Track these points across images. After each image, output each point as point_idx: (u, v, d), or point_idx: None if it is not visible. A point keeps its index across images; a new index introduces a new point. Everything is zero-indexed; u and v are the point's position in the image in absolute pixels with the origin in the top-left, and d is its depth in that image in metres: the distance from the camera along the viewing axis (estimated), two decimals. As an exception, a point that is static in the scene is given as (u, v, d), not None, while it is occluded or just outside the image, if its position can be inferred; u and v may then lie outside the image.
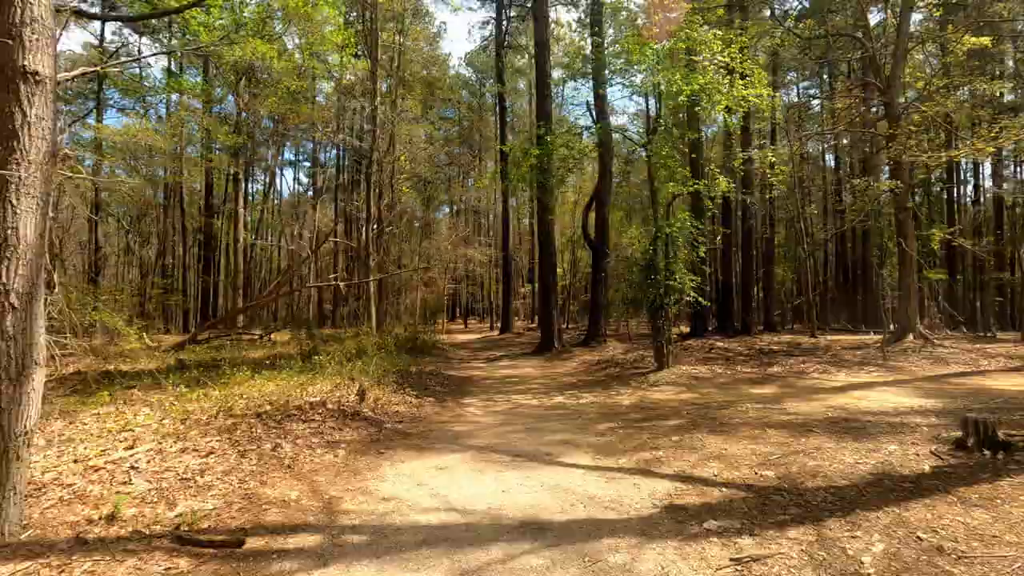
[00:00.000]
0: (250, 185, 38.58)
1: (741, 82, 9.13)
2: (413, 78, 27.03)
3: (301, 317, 20.67)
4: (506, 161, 13.57)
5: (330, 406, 6.53)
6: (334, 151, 36.17)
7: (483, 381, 9.82)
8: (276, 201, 40.43)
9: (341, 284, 15.99)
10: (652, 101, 26.66)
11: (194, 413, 6.46)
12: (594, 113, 12.26)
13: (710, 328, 16.30)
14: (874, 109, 18.42)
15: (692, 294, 9.03)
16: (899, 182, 13.34)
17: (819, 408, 6.36)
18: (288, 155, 44.52)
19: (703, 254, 9.26)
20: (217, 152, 30.01)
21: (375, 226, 18.39)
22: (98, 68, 14.60)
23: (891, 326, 20.85)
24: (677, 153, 9.15)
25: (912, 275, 13.59)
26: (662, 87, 8.93)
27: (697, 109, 9.24)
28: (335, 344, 14.54)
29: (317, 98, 32.76)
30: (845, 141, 23.85)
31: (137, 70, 29.01)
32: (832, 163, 30.22)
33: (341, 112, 28.38)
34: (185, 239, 31.89)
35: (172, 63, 28.92)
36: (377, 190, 18.99)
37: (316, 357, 8.90)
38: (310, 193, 33.16)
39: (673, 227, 8.62)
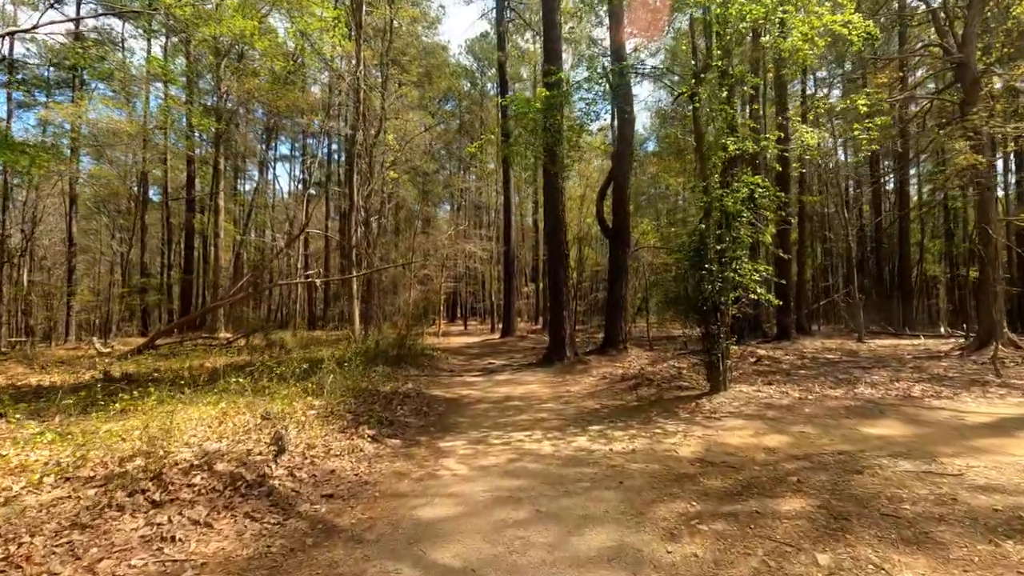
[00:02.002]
0: (245, 182, 36.26)
1: (820, 8, 6.57)
2: (410, 60, 24.50)
3: (260, 320, 18.17)
4: (506, 117, 10.98)
5: (222, 466, 3.99)
6: (332, 145, 33.74)
7: (475, 405, 7.26)
8: (271, 197, 38.02)
9: (318, 281, 13.48)
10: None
11: (10, 473, 4.06)
12: (609, 59, 9.56)
13: (744, 332, 13.68)
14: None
15: (759, 290, 6.45)
16: (980, 158, 10.74)
17: (1015, 472, 3.79)
18: (284, 149, 42.13)
19: (771, 236, 6.66)
20: (207, 147, 27.59)
21: (361, 216, 15.87)
22: (19, 30, 12.14)
23: (942, 329, 18.25)
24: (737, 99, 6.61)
25: (997, 270, 10.95)
26: (714, 8, 6.35)
27: (764, 41, 6.69)
28: (298, 352, 12.02)
29: (312, 89, 30.32)
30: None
31: (119, 59, 26.46)
32: (845, 157, 27.51)
33: (331, 97, 25.91)
34: (169, 235, 29.45)
35: (152, 48, 26.43)
36: (364, 176, 16.47)
37: (230, 379, 6.37)
38: (299, 187, 30.65)
39: (737, 196, 6.04)
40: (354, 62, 15.50)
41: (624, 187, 11.35)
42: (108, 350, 15.17)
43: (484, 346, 17.41)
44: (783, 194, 6.87)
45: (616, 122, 10.89)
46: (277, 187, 40.00)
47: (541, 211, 31.59)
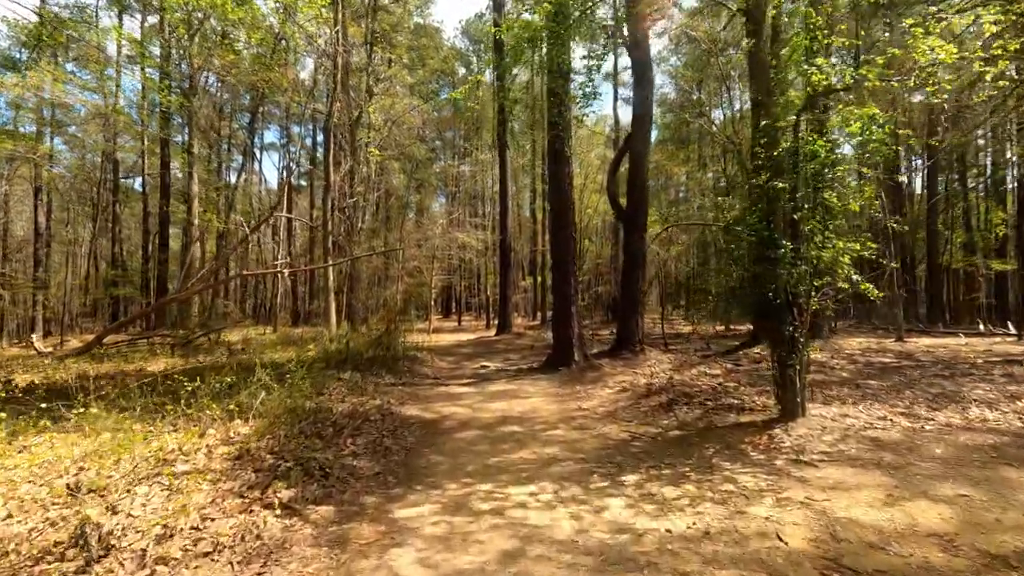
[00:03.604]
0: (230, 172, 33.99)
1: None
2: (398, 34, 22.36)
3: (237, 314, 16.13)
4: (501, 51, 8.97)
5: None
6: (319, 136, 31.54)
7: (459, 433, 5.30)
8: (259, 188, 35.78)
9: (286, 272, 11.49)
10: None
11: None
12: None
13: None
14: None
15: (855, 277, 4.53)
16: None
17: None
18: (272, 138, 39.93)
19: (870, 202, 4.70)
20: (191, 134, 25.33)
21: (347, 203, 13.84)
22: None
23: (981, 326, 16.35)
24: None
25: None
26: None
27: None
28: (259, 353, 10.03)
29: (301, 75, 28.14)
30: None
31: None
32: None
33: (316, 75, 23.83)
34: (147, 225, 27.28)
35: (129, 29, 24.13)
36: (345, 155, 14.43)
37: (136, 397, 4.42)
38: (284, 174, 28.49)
39: (851, 131, 4.09)
40: (335, 27, 13.43)
41: (642, 158, 9.36)
42: (49, 350, 13.14)
43: (478, 344, 15.47)
44: (911, 132, 4.70)
45: (631, 58, 8.76)
46: (264, 177, 37.73)
47: (539, 201, 29.63)
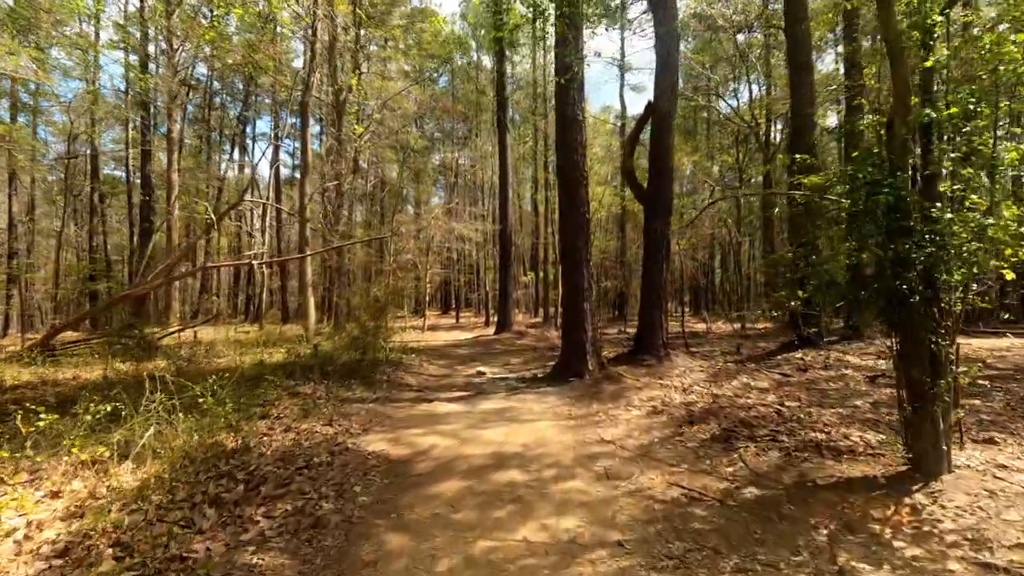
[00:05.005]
0: (221, 162, 32.33)
1: None
2: (387, 12, 20.63)
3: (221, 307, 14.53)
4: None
5: None
6: (316, 125, 29.80)
7: (432, 487, 3.68)
8: (255, 177, 34.13)
9: (255, 263, 9.88)
10: None
11: None
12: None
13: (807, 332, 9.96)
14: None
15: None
16: None
17: None
18: (265, 127, 38.25)
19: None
20: (179, 121, 23.55)
21: (320, 184, 12.20)
22: None
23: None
24: None
25: None
26: None
27: None
28: (223, 356, 8.41)
29: (294, 63, 26.44)
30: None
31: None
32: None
33: (305, 54, 22.08)
34: (132, 217, 25.67)
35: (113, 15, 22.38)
36: (330, 137, 12.79)
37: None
38: (272, 160, 26.72)
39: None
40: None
41: (668, 121, 7.65)
42: (-8, 350, 11.57)
43: (475, 345, 13.85)
44: None
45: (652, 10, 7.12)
46: (255, 167, 35.92)
47: (541, 193, 27.98)
